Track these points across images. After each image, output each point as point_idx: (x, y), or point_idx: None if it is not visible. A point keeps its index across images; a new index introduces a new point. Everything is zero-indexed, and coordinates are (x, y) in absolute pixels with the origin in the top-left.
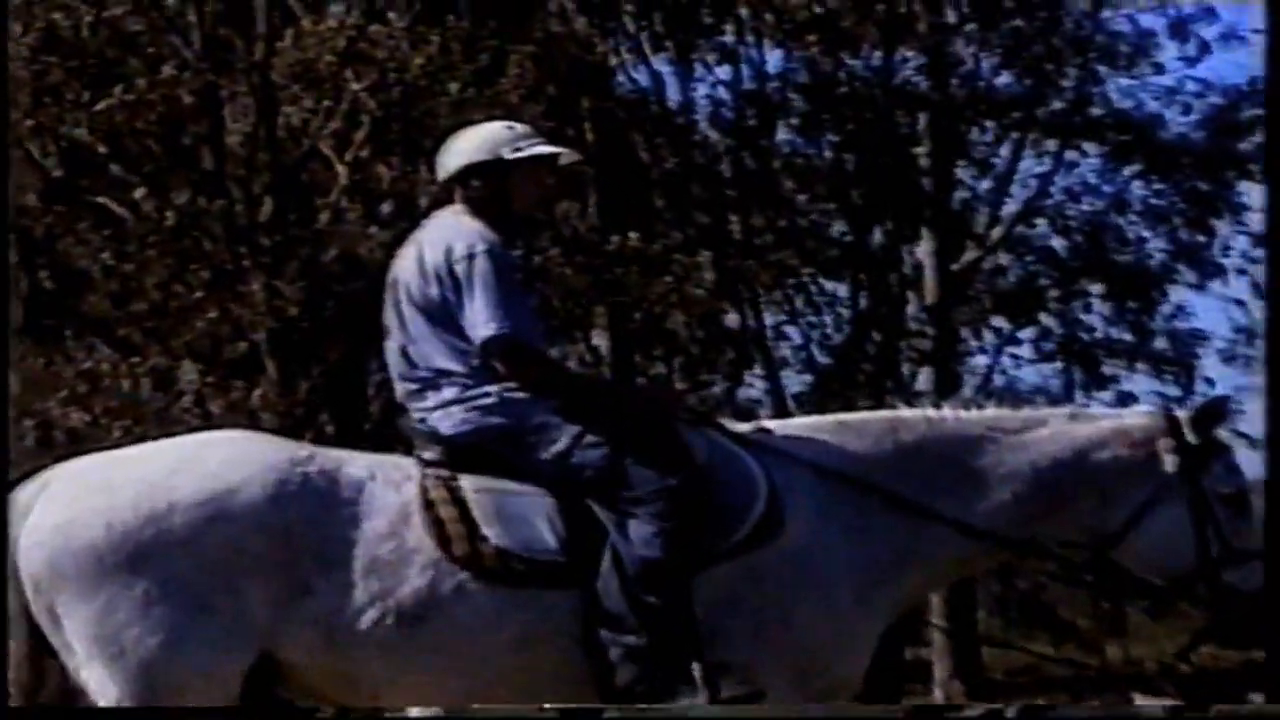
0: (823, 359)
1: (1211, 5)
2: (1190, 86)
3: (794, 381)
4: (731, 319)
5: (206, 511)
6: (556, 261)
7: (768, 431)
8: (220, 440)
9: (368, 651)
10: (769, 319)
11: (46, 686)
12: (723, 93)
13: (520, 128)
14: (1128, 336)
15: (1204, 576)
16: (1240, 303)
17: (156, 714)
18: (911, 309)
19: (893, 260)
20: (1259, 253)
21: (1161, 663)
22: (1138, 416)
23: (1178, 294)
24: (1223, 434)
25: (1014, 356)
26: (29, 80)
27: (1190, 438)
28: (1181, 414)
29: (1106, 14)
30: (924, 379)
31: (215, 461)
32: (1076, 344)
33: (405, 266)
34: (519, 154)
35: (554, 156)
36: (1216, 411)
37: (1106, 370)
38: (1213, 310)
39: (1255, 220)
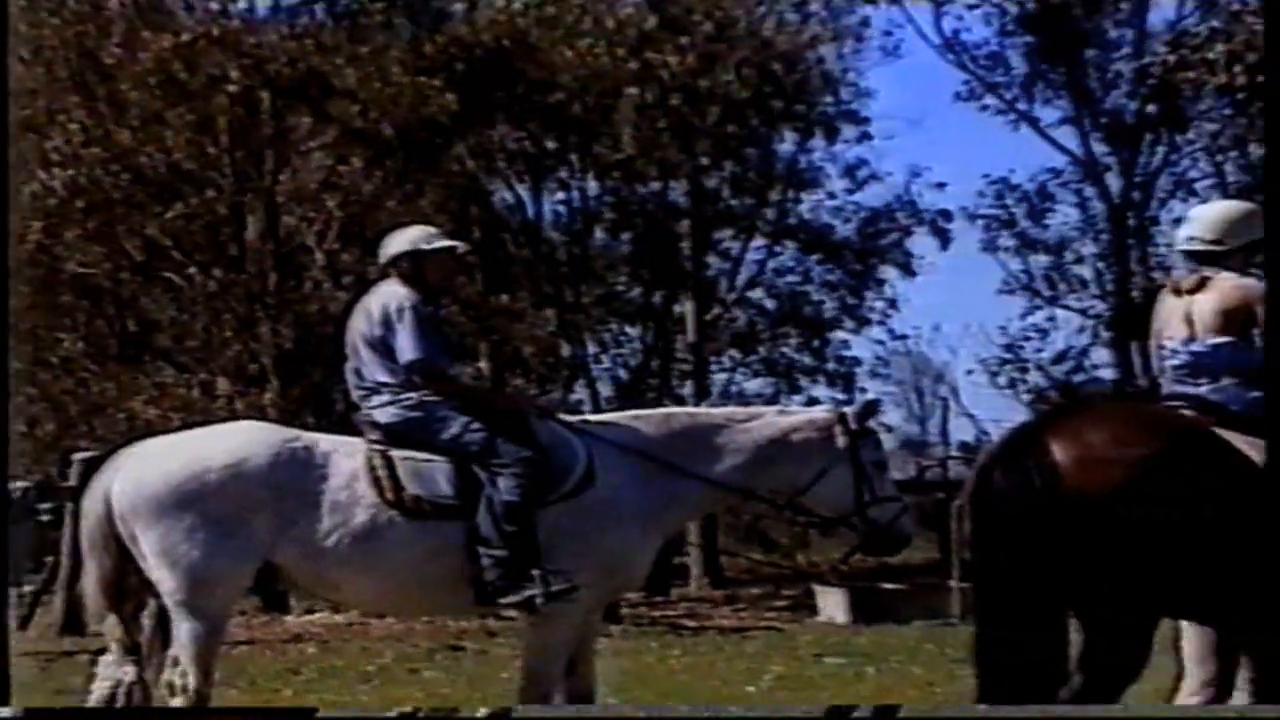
0: (623, 375)
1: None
2: (849, 207)
3: (605, 389)
4: (565, 350)
5: (230, 472)
6: (456, 314)
7: (587, 422)
8: (241, 427)
9: (330, 560)
10: (591, 350)
11: (129, 587)
12: (560, 209)
13: (433, 230)
14: (810, 361)
15: (857, 513)
16: (880, 341)
17: (157, 714)
18: (679, 344)
19: (668, 313)
20: (890, 310)
21: (831, 566)
22: (820, 412)
23: (842, 334)
24: (871, 424)
25: (743, 374)
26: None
27: (853, 426)
28: (847, 411)
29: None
30: (687, 389)
31: (236, 440)
32: (780, 366)
33: (359, 317)
34: (431, 246)
35: (453, 248)
36: (869, 410)
37: (800, 383)
38: (863, 344)
39: (891, 289)
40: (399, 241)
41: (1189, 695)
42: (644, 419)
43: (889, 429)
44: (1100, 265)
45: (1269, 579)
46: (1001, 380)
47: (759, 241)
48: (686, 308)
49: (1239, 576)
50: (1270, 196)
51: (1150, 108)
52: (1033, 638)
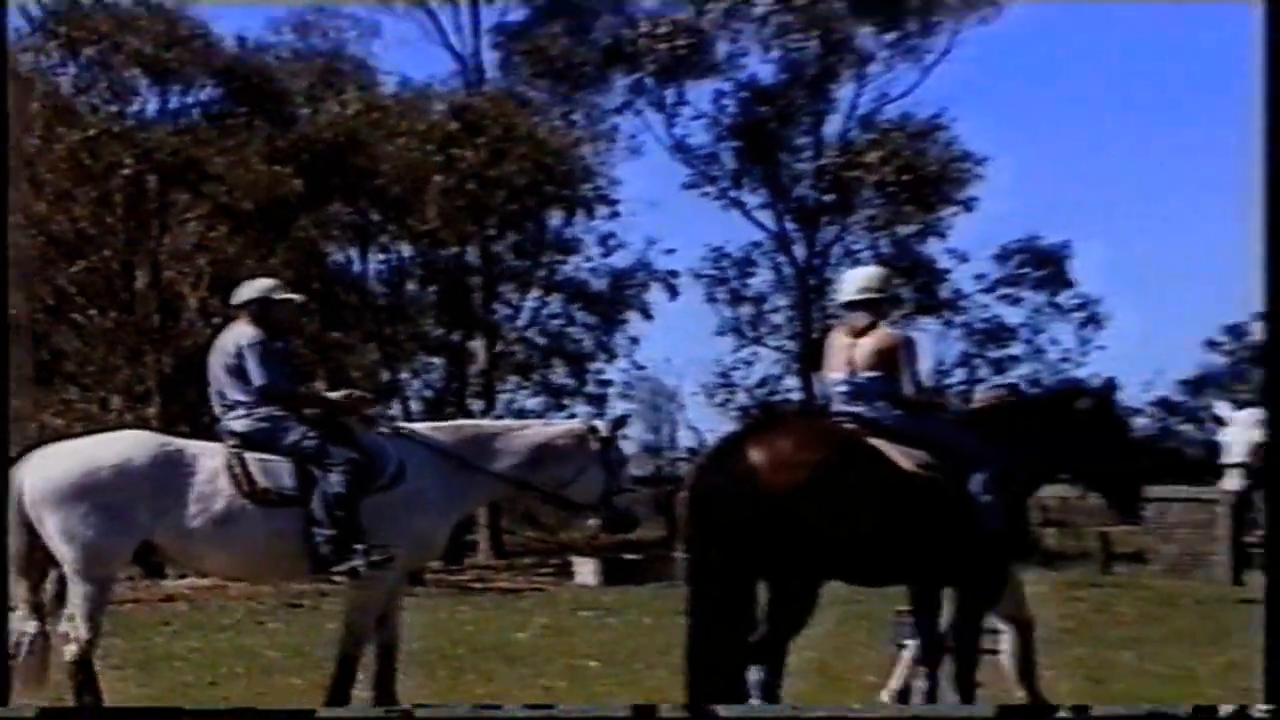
0: (429, 395)
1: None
2: (602, 268)
3: (415, 406)
4: (385, 376)
5: (117, 469)
6: (300, 347)
7: (399, 430)
8: (127, 435)
9: (197, 539)
10: (404, 375)
11: (35, 559)
12: (382, 266)
13: (276, 283)
14: (573, 385)
15: (604, 501)
16: (626, 370)
17: (156, 714)
18: (472, 372)
19: (463, 348)
20: (633, 346)
21: (588, 542)
22: (577, 424)
23: (597, 365)
24: (617, 433)
25: (522, 395)
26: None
27: (603, 434)
28: (599, 424)
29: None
30: (478, 406)
31: (123, 445)
32: (550, 389)
33: (220, 349)
34: (277, 296)
35: (293, 299)
36: (618, 424)
37: (565, 403)
38: (614, 373)
39: (634, 330)
40: (248, 290)
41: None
42: (442, 429)
43: (629, 437)
44: (790, 314)
45: (915, 549)
46: (716, 400)
47: (534, 293)
48: (478, 344)
49: (891, 548)
50: (1270, 197)
51: (826, 197)
52: (732, 596)
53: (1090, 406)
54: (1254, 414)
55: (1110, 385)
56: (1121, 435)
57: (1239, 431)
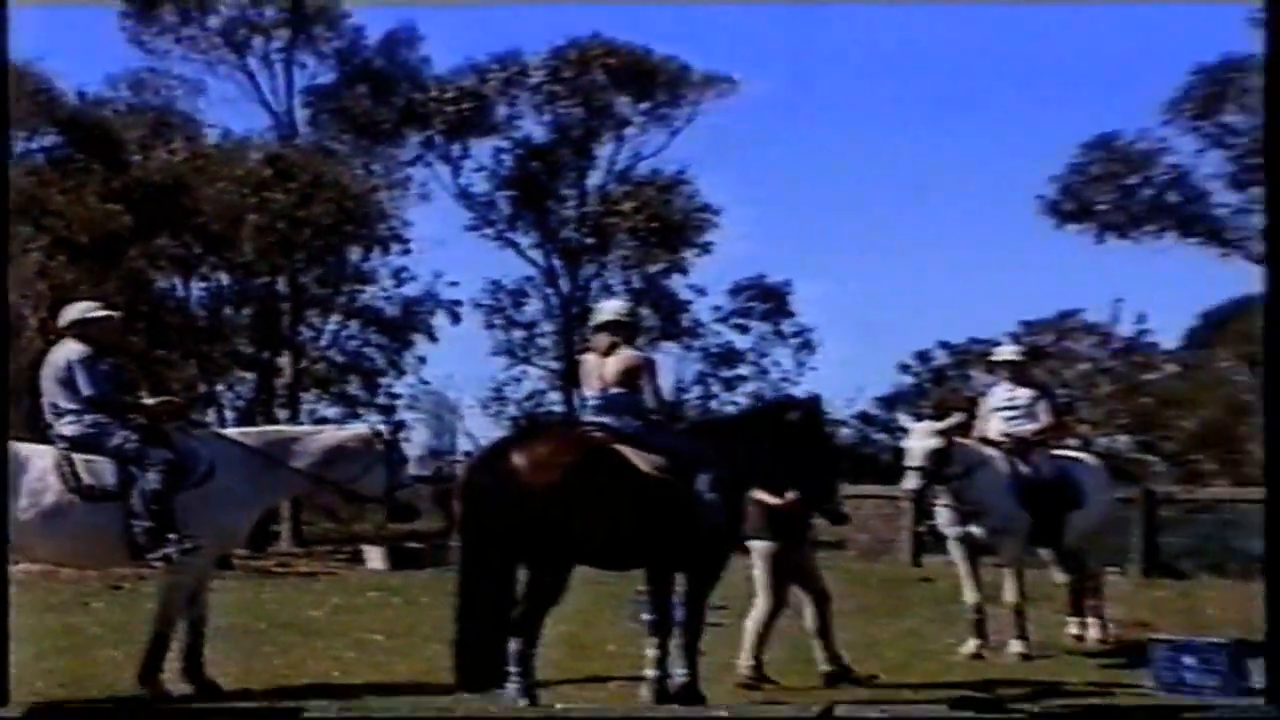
0: (241, 405)
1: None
2: (395, 296)
3: (230, 415)
4: (203, 388)
5: None
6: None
7: (213, 433)
8: None
9: (29, 529)
10: (220, 387)
11: None
12: (202, 293)
13: (96, 303)
14: (367, 397)
15: (388, 495)
16: (413, 385)
17: (156, 714)
18: (279, 385)
19: (272, 364)
20: (421, 364)
21: (377, 532)
22: (364, 428)
23: (388, 380)
24: (399, 437)
25: (323, 406)
26: None
27: (387, 438)
28: (383, 428)
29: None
30: (284, 415)
31: None
32: (347, 400)
33: (51, 363)
34: (94, 315)
35: (111, 316)
36: (397, 428)
37: (360, 413)
38: (403, 387)
39: (421, 350)
40: (72, 312)
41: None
42: (249, 434)
43: (410, 441)
44: (556, 338)
45: (651, 540)
46: (491, 412)
47: (335, 318)
48: (285, 360)
49: (631, 539)
50: (1271, 197)
51: (588, 239)
52: (495, 579)
53: (799, 418)
54: (929, 425)
55: (815, 399)
56: (825, 442)
57: (917, 439)
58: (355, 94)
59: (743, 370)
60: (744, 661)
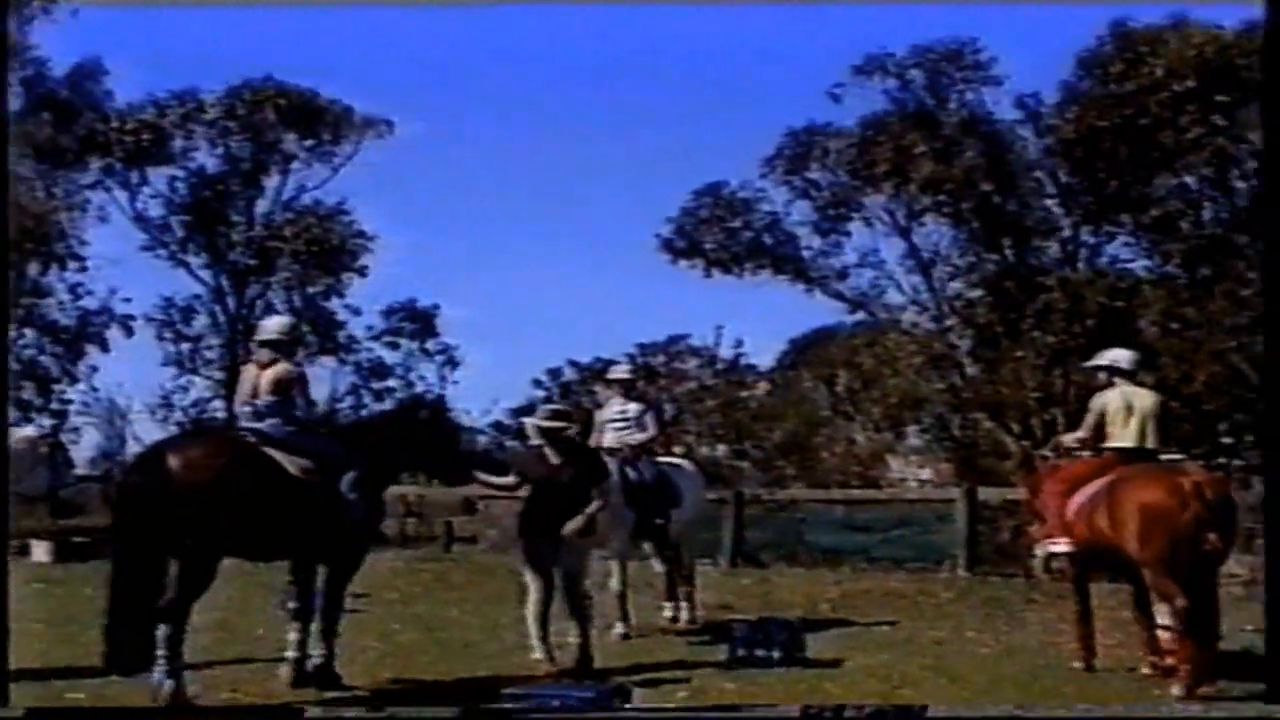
0: None
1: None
2: (71, 309)
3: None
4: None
5: None
6: None
7: None
8: None
9: None
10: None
11: None
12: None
13: None
14: (39, 400)
15: (50, 495)
16: (86, 392)
17: (143, 714)
18: None
19: None
20: (94, 373)
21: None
22: (32, 430)
23: (62, 387)
24: (62, 443)
25: None
26: None
27: (52, 441)
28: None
29: (44, 276)
30: None
31: None
32: (21, 405)
33: None
34: None
35: None
36: (55, 429)
37: (32, 416)
38: (76, 394)
39: (91, 361)
40: None
41: None
42: None
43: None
44: (221, 351)
45: (296, 534)
46: (158, 417)
47: (13, 329)
48: None
49: (277, 533)
50: (1271, 197)
51: (253, 261)
52: (146, 569)
53: (428, 416)
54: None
55: (441, 399)
56: (452, 436)
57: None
58: (40, 121)
59: (392, 383)
60: (536, 650)
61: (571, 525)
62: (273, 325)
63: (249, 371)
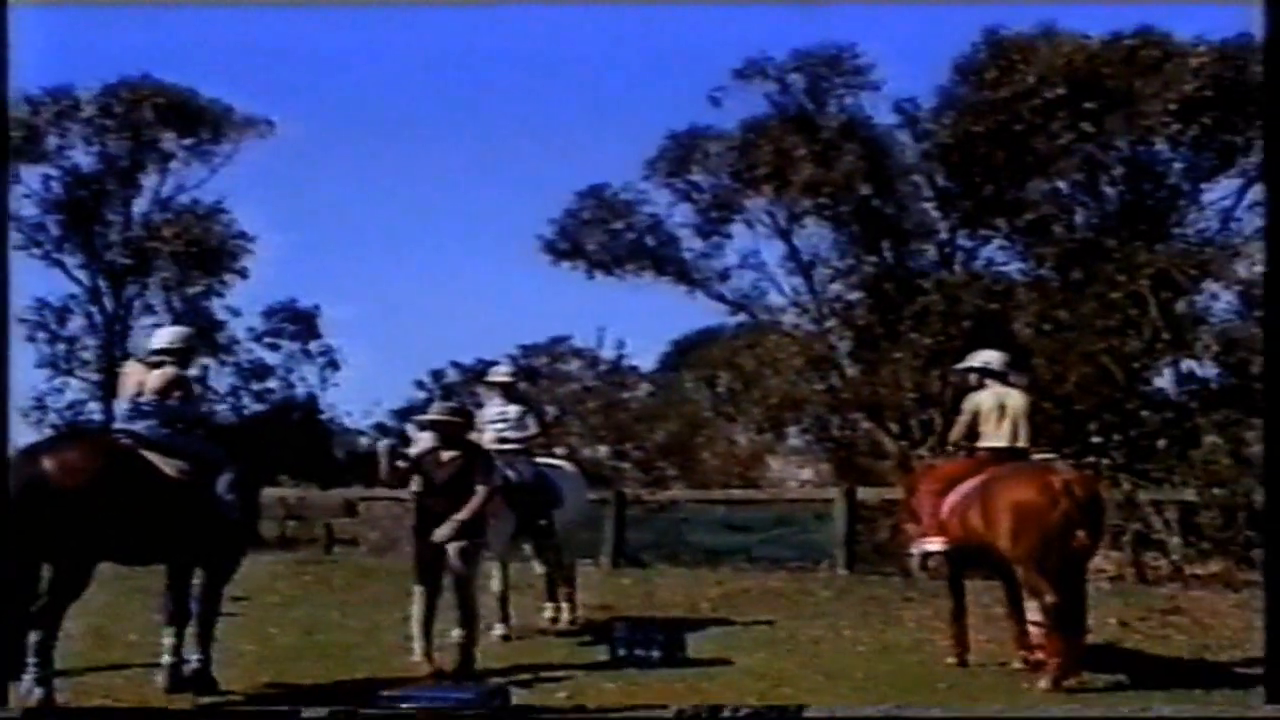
0: None
1: None
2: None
3: None
4: None
5: None
6: None
7: None
8: None
9: None
10: None
11: None
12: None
13: None
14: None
15: None
16: None
17: (155, 714)
18: None
19: None
20: None
21: None
22: None
23: None
24: None
25: None
26: None
27: None
28: None
29: None
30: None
31: None
32: None
33: None
34: None
35: None
36: None
37: None
38: None
39: None
40: None
41: None
42: None
43: None
44: (98, 352)
45: (173, 537)
46: (32, 420)
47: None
48: None
49: (153, 536)
50: (1271, 197)
51: (131, 261)
52: (18, 574)
53: (301, 417)
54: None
55: (313, 399)
56: (324, 438)
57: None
58: None
59: (272, 384)
60: (416, 651)
61: (458, 516)
62: (168, 334)
63: (133, 373)
